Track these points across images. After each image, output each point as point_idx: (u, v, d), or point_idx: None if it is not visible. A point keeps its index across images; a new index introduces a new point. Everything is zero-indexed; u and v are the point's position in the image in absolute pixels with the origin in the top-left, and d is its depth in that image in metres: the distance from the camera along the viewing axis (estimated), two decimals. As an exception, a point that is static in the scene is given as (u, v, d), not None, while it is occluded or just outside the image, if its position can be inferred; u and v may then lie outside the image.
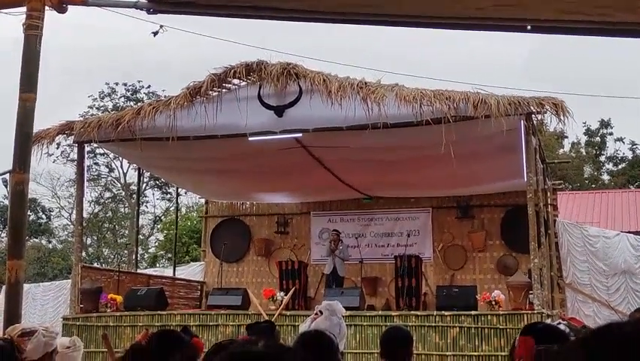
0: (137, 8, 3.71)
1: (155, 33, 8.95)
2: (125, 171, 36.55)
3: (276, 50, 11.38)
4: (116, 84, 36.82)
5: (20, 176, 6.67)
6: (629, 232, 16.95)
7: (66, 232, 37.08)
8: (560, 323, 5.02)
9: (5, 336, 3.67)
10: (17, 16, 6.71)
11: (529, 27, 3.58)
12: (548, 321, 8.96)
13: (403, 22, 3.77)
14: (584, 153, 38.10)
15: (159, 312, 11.90)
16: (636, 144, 37.36)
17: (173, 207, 33.33)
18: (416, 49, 55.49)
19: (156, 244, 36.55)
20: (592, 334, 1.28)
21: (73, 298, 12.27)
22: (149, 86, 36.87)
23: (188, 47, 48.77)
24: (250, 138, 11.47)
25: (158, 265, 30.56)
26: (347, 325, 6.82)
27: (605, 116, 37.76)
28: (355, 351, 10.51)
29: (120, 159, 32.75)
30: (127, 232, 36.56)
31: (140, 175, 21.27)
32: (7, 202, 9.35)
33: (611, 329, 1.26)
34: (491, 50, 56.37)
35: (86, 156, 13.53)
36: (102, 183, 37.68)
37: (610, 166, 38.52)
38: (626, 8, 3.03)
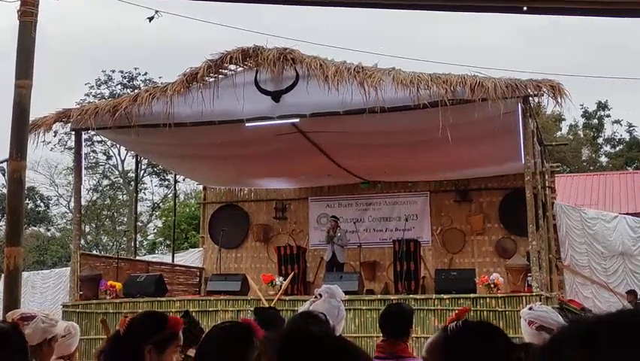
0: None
1: (151, 18, 8.92)
2: (122, 159, 36.57)
3: (272, 35, 11.33)
4: (113, 71, 36.78)
5: (17, 163, 6.65)
6: (627, 214, 16.97)
7: (65, 220, 37.11)
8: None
9: (7, 320, 3.64)
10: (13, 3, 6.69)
11: (525, 8, 3.57)
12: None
13: (396, 5, 3.76)
14: (582, 136, 38.09)
15: (159, 298, 11.92)
16: (633, 126, 37.46)
17: (171, 194, 33.37)
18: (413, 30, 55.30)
19: (155, 230, 36.61)
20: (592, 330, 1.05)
21: (72, 285, 12.27)
22: (145, 73, 36.87)
23: (184, 33, 48.59)
24: (247, 124, 11.44)
25: (157, 251, 30.67)
26: (346, 309, 6.82)
27: (602, 98, 37.81)
28: (355, 335, 10.52)
29: (118, 146, 32.68)
30: (125, 219, 36.58)
31: (137, 162, 21.23)
32: (5, 191, 9.32)
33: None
34: (490, 34, 56.21)
35: (84, 143, 13.48)
36: (100, 171, 37.67)
37: (608, 148, 38.57)
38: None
